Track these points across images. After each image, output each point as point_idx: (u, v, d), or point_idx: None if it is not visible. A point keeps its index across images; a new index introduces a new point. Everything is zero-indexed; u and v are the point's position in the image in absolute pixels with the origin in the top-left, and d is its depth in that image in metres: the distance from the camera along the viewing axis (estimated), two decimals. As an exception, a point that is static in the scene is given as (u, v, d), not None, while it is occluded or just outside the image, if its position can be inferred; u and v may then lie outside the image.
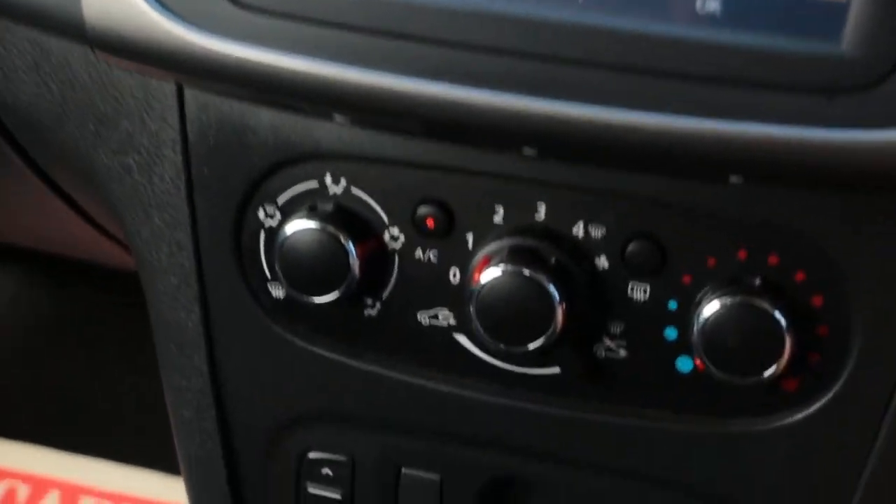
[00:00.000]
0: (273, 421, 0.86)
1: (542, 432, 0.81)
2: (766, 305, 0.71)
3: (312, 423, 0.86)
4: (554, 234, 0.75)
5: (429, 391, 0.81)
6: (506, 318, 0.75)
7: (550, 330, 0.75)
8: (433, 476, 0.85)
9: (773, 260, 0.73)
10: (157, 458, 1.78)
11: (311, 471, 0.87)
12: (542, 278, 0.74)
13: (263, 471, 0.89)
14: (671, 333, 0.76)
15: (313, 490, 0.88)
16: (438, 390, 0.81)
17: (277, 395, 0.85)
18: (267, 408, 0.86)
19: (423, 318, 0.80)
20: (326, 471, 0.87)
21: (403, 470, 0.85)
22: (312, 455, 0.87)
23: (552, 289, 0.74)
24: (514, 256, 0.75)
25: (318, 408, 0.85)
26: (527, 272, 0.74)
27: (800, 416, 0.75)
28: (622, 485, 0.82)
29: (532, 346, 0.75)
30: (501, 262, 0.75)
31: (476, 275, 0.76)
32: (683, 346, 0.76)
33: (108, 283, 1.76)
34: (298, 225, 0.78)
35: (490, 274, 0.75)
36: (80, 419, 1.87)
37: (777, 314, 0.71)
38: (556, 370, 0.80)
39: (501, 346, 0.76)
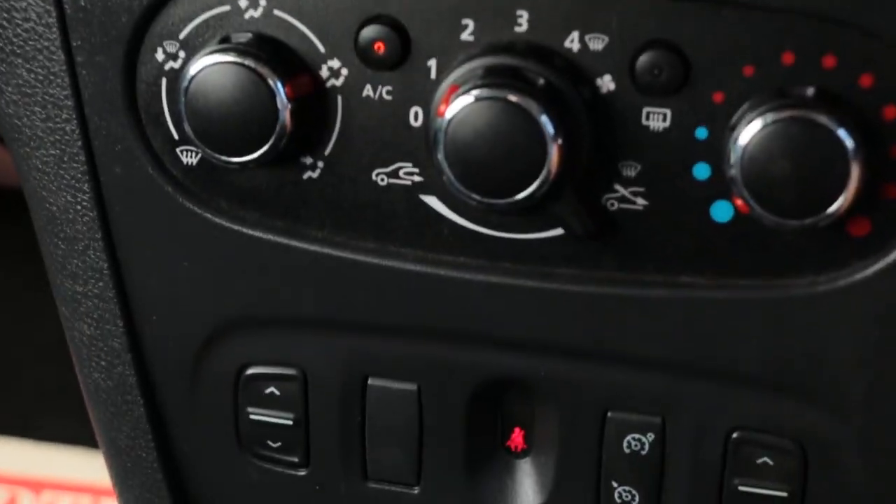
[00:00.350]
0: (198, 330, 0.82)
1: (543, 317, 0.76)
2: (823, 120, 0.67)
3: (249, 329, 0.82)
4: (541, 51, 0.72)
5: (394, 274, 0.77)
6: (484, 160, 0.70)
7: (543, 175, 0.70)
8: (408, 386, 0.81)
9: (828, 62, 0.69)
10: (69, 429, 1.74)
11: (253, 391, 0.83)
12: (529, 105, 0.69)
13: (191, 396, 0.84)
14: (702, 171, 0.72)
15: (257, 416, 0.83)
16: (407, 272, 0.77)
17: (201, 295, 0.81)
18: (189, 313, 0.82)
19: (380, 177, 0.76)
20: (272, 390, 0.83)
21: (370, 381, 0.81)
22: (252, 371, 0.83)
23: (543, 119, 0.69)
24: (491, 78, 0.70)
25: (255, 308, 0.81)
26: (510, 97, 0.69)
27: (872, 269, 0.71)
28: (649, 379, 0.77)
29: (520, 196, 0.70)
30: (475, 87, 0.70)
31: (442, 107, 0.70)
32: (719, 186, 0.72)
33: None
34: (208, 61, 0.73)
35: (460, 103, 0.70)
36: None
37: (840, 132, 0.67)
38: (555, 233, 0.75)
39: (479, 197, 0.71)
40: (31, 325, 1.82)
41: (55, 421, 1.80)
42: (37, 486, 1.77)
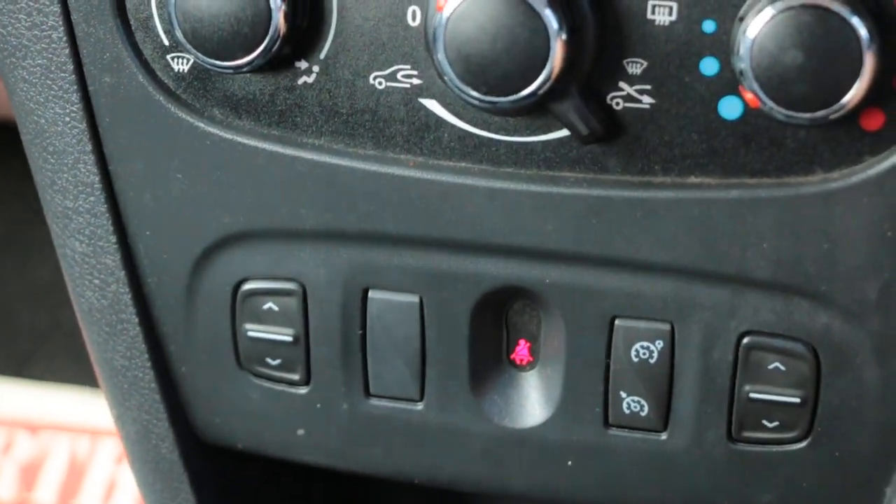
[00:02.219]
0: (193, 245, 0.80)
1: (548, 223, 0.74)
2: (837, 8, 0.65)
3: (246, 242, 0.80)
4: (543, -58, 0.69)
5: (394, 181, 0.75)
6: (485, 56, 0.68)
7: (546, 71, 0.68)
8: (410, 298, 0.79)
9: (840, -52, 0.67)
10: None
11: (251, 307, 0.81)
12: (532, -2, 0.67)
13: (188, 314, 0.83)
14: (710, 66, 0.70)
15: (256, 333, 0.81)
16: (406, 178, 0.75)
17: (195, 208, 0.79)
18: (183, 227, 0.80)
19: (378, 80, 0.74)
20: (270, 305, 0.81)
21: (371, 293, 0.79)
22: (250, 286, 0.81)
23: (547, 13, 0.67)
24: (492, -29, 0.68)
25: (251, 221, 0.79)
26: (510, -10, 0.67)
27: (886, 164, 0.70)
28: (658, 284, 0.75)
29: (523, 93, 0.68)
30: (475, -19, 0.68)
31: (441, 2, 0.68)
32: (727, 81, 0.70)
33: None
34: (197, -40, 0.71)
35: (459, -3, 0.68)
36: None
37: (853, 20, 0.66)
38: (560, 135, 0.72)
39: (480, 96, 0.69)
40: (25, 266, 1.80)
41: (51, 362, 1.79)
42: (34, 428, 1.76)
